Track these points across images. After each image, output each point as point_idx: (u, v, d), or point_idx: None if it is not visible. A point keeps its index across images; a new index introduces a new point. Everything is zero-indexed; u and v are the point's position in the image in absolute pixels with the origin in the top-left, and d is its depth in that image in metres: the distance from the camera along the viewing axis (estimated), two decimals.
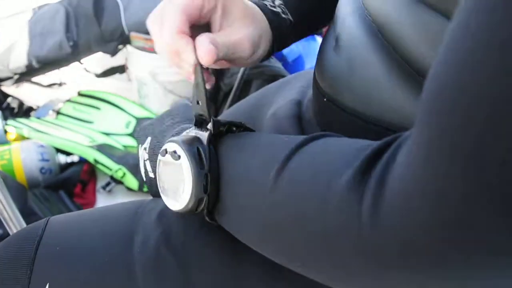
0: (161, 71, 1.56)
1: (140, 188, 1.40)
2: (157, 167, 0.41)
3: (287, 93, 0.61)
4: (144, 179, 0.49)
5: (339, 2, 0.47)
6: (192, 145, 0.37)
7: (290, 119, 0.54)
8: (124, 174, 1.39)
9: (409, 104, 0.36)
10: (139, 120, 1.63)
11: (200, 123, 0.40)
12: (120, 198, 1.45)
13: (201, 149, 0.37)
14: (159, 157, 0.40)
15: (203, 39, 0.39)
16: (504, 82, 0.19)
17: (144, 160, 0.48)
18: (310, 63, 1.35)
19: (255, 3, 0.48)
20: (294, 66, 1.34)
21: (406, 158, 0.24)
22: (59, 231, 0.47)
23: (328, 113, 0.46)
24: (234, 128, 0.41)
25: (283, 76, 1.26)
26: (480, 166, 0.20)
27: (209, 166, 0.36)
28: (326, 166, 0.30)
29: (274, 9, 0.49)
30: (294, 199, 0.30)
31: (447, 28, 0.22)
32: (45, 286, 0.42)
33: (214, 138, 0.39)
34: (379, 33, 0.38)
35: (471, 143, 0.20)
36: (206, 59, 0.38)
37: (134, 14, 1.53)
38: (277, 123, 0.55)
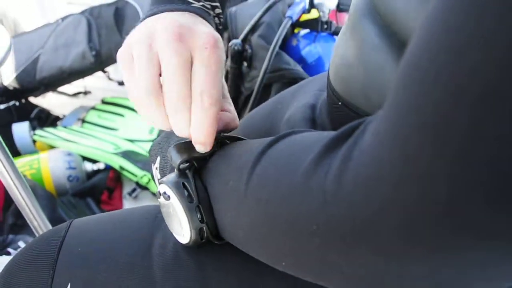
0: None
1: None
2: (160, 207, 0.43)
3: (302, 97, 0.61)
4: None
5: (352, 3, 0.46)
6: (178, 182, 0.38)
7: (304, 122, 0.54)
8: (149, 180, 1.41)
9: None
10: None
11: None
12: (146, 204, 1.47)
13: (187, 184, 0.38)
14: (158, 199, 0.42)
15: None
16: (474, 52, 0.19)
17: (158, 180, 0.49)
18: (329, 64, 1.33)
19: (202, 14, 0.44)
20: (314, 67, 1.33)
21: (375, 130, 0.24)
22: (81, 233, 0.48)
23: (343, 116, 0.46)
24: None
25: (303, 79, 1.26)
26: (447, 137, 0.19)
27: (198, 198, 0.38)
28: (291, 159, 0.30)
29: (214, 21, 0.48)
30: (264, 198, 0.31)
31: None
32: (67, 286, 0.43)
33: (199, 169, 0.40)
34: (394, 34, 0.38)
35: (439, 114, 0.20)
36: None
37: None
38: (291, 127, 0.55)
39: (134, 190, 1.47)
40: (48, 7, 1.85)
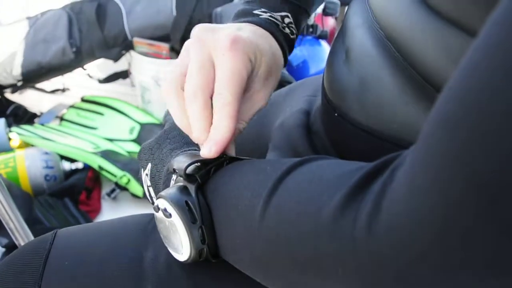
0: (164, 76, 1.56)
1: (145, 195, 1.39)
2: (155, 220, 0.41)
3: (294, 102, 0.60)
4: (150, 201, 0.49)
5: (347, 13, 0.46)
6: (180, 199, 0.36)
7: (299, 129, 0.53)
8: (129, 180, 1.39)
9: (424, 121, 0.35)
10: (142, 126, 1.63)
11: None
12: (125, 205, 1.45)
13: (190, 203, 0.36)
14: (154, 212, 0.40)
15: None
16: None
17: (148, 186, 0.47)
18: (314, 67, 1.34)
19: (266, 25, 0.46)
20: (299, 70, 1.33)
21: (410, 179, 0.23)
22: (68, 245, 0.46)
23: (339, 127, 0.45)
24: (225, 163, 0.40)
25: (288, 81, 1.26)
26: (501, 193, 0.18)
27: (201, 218, 0.36)
28: (313, 195, 0.29)
29: (284, 31, 0.48)
30: (283, 233, 0.29)
31: (470, 43, 0.21)
32: None
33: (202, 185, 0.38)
34: (391, 46, 0.37)
35: (491, 163, 0.18)
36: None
37: (137, 19, 1.53)
38: (286, 133, 0.54)
39: (113, 190, 1.44)
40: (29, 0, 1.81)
